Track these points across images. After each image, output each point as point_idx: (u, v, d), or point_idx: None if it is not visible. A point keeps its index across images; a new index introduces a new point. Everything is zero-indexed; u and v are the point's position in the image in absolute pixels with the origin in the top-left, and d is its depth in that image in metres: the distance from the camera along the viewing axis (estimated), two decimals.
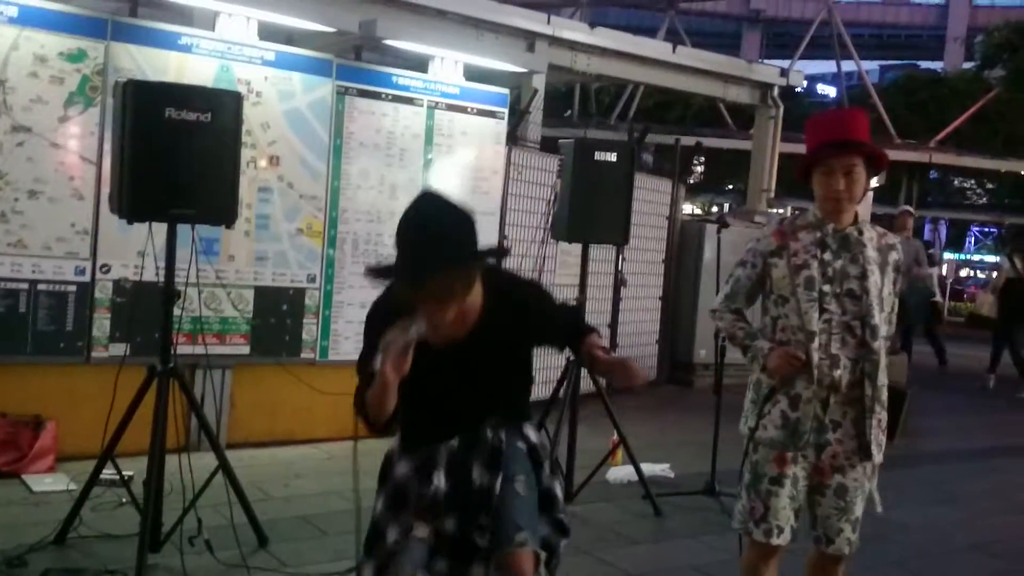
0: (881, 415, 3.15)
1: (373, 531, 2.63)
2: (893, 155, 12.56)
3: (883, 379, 3.14)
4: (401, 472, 2.64)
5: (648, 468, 5.83)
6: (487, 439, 2.62)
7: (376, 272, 2.44)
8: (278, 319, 6.08)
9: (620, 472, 5.93)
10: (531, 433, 2.73)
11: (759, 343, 3.19)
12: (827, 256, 3.12)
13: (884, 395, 3.16)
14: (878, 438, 3.14)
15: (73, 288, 5.35)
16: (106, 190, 4.99)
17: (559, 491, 2.74)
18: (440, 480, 2.58)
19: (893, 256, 3.20)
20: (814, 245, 3.13)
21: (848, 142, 3.09)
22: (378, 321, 2.48)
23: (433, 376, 2.50)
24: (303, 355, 6.20)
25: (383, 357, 2.35)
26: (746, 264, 3.27)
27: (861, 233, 3.15)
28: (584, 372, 5.49)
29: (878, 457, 3.15)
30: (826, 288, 3.09)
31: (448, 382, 2.57)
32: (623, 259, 8.77)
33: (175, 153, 3.98)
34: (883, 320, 3.14)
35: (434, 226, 2.37)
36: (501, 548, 2.51)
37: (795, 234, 3.18)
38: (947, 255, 38.69)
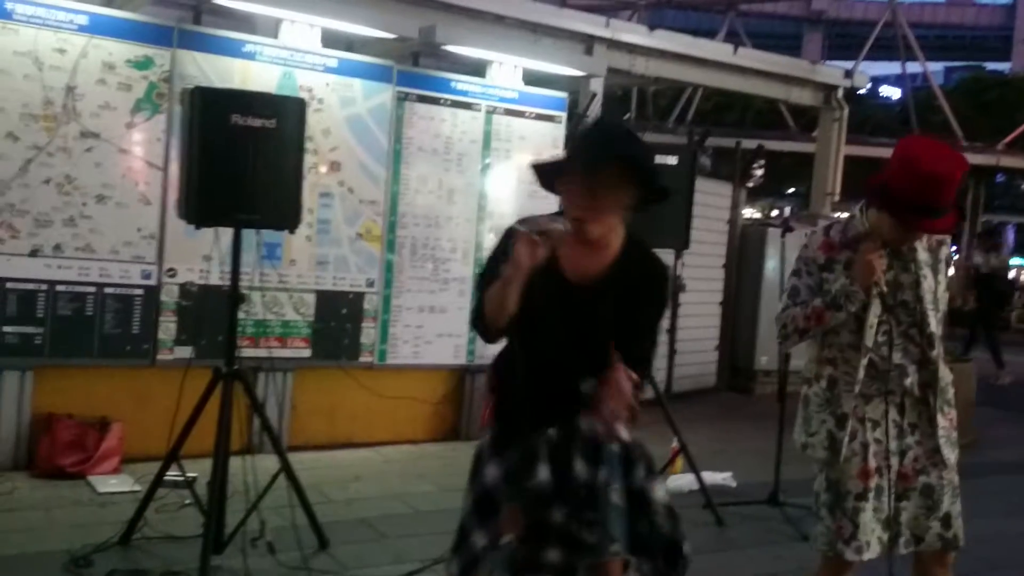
0: (951, 413, 3.12)
1: (460, 532, 2.62)
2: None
3: (945, 377, 3.09)
4: (491, 475, 2.60)
5: (709, 476, 5.74)
6: (583, 430, 2.55)
7: (543, 166, 2.52)
8: (338, 323, 6.12)
9: (681, 480, 5.84)
10: (623, 432, 2.61)
11: (836, 285, 3.02)
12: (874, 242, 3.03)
13: (950, 393, 3.12)
14: (951, 437, 3.11)
15: (140, 291, 5.44)
16: (172, 195, 5.09)
17: (658, 493, 2.62)
18: (545, 473, 2.52)
19: (944, 252, 3.14)
20: None
21: (936, 211, 2.91)
22: (510, 239, 2.43)
23: (556, 308, 2.50)
24: (362, 359, 6.23)
25: (521, 236, 2.34)
26: (801, 273, 3.17)
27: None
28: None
29: (954, 458, 3.12)
30: (884, 287, 3.02)
31: (567, 321, 2.53)
32: (682, 264, 8.67)
33: (241, 159, 4.01)
34: (938, 322, 3.10)
35: (619, 131, 2.55)
36: (596, 557, 2.49)
37: (845, 247, 3.09)
38: (1014, 261, 37.71)
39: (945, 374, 3.10)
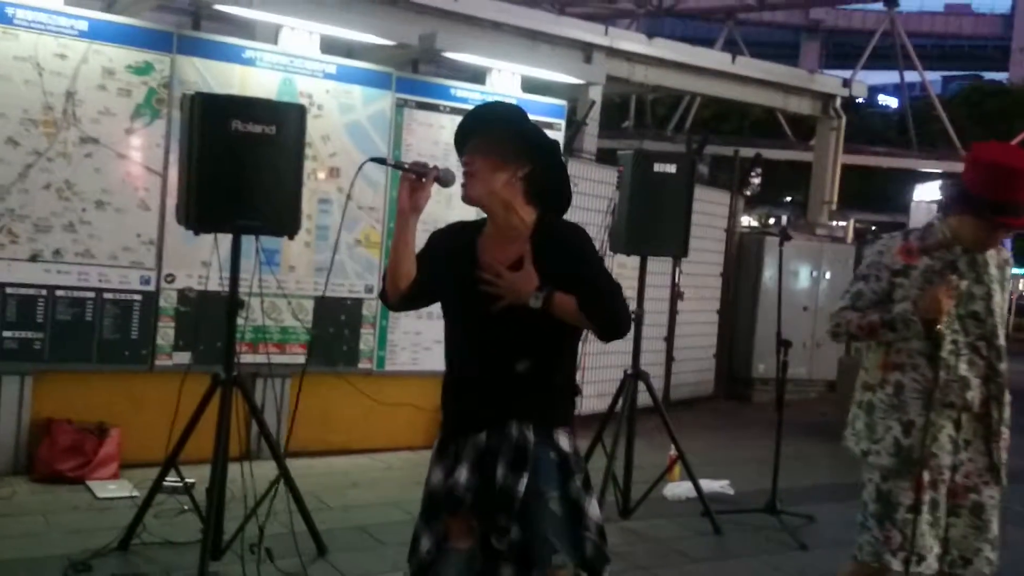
0: (1006, 434, 3.10)
1: (413, 539, 2.62)
2: (958, 168, 12.28)
3: (1007, 398, 3.09)
4: (435, 479, 2.61)
5: (707, 484, 5.74)
6: (512, 436, 2.52)
7: (455, 140, 2.66)
8: (336, 329, 6.12)
9: (678, 488, 5.85)
10: (563, 441, 2.58)
11: (899, 308, 3.03)
12: (954, 279, 3.03)
13: (1007, 414, 3.10)
14: (1000, 456, 3.09)
15: (138, 297, 5.44)
16: (171, 201, 5.09)
17: (591, 508, 2.56)
18: (462, 475, 2.52)
19: (1008, 271, 3.17)
20: (947, 267, 3.05)
21: (1017, 207, 2.95)
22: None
23: (472, 299, 2.54)
24: (360, 365, 6.23)
25: (402, 179, 2.51)
26: (869, 278, 3.16)
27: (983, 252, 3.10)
28: (641, 386, 5.43)
29: (1003, 478, 3.09)
30: (952, 311, 3.01)
31: (486, 309, 2.53)
32: (680, 272, 8.69)
33: (240, 165, 4.02)
34: (1003, 339, 3.09)
35: (491, 102, 2.76)
36: (539, 568, 2.45)
37: (923, 253, 3.08)
38: (1013, 271, 37.70)
39: (1006, 392, 3.07)
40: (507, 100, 2.59)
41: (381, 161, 2.60)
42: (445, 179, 2.52)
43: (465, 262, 2.59)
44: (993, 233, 3.02)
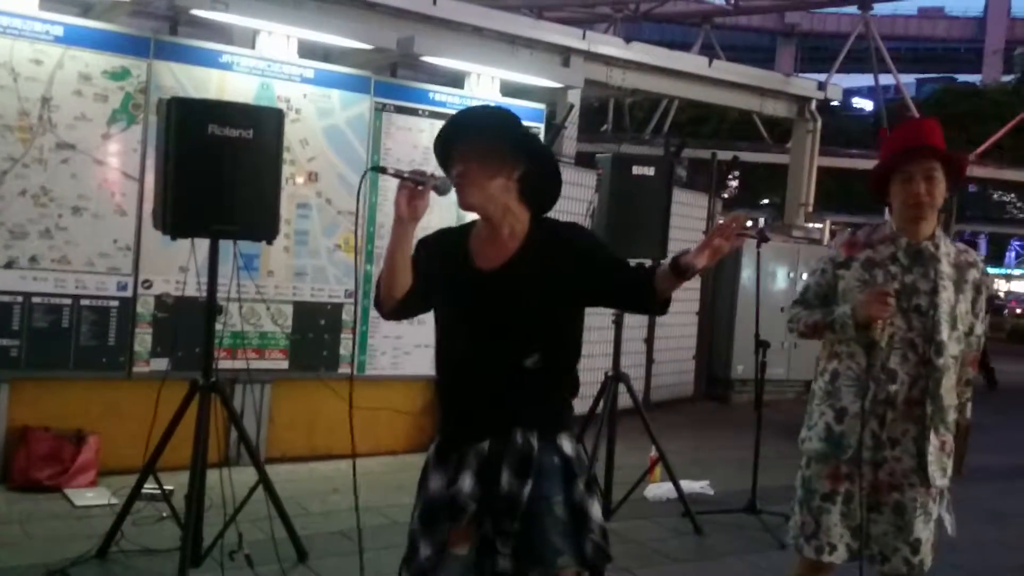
0: (945, 436, 3.04)
1: (410, 545, 2.60)
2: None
3: (949, 400, 3.03)
4: (435, 485, 2.59)
5: (687, 485, 5.77)
6: (517, 443, 2.53)
7: (436, 144, 2.60)
8: (316, 334, 6.11)
9: (659, 489, 5.88)
10: (566, 445, 2.60)
11: (839, 311, 3.05)
12: (895, 269, 3.04)
13: (950, 416, 3.05)
14: (941, 461, 3.03)
15: (115, 303, 5.41)
16: (148, 206, 5.07)
17: (593, 510, 2.57)
18: (466, 483, 2.51)
19: (973, 274, 3.10)
20: (887, 259, 3.06)
21: (927, 147, 3.05)
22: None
23: (470, 301, 2.54)
24: (341, 370, 6.22)
25: (400, 187, 2.43)
26: (817, 272, 3.23)
27: (937, 248, 3.06)
28: (622, 388, 5.45)
29: (941, 482, 3.04)
30: (894, 308, 2.99)
31: (483, 309, 2.54)
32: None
33: (218, 169, 4.01)
34: (954, 338, 3.03)
35: (479, 105, 2.66)
36: (544, 570, 2.46)
37: (867, 246, 3.11)
38: (987, 270, 38.12)
39: (949, 395, 3.03)
40: (489, 103, 2.56)
41: (382, 170, 2.54)
42: (442, 188, 2.47)
43: (460, 266, 2.58)
44: (912, 186, 3.01)
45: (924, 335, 3.00)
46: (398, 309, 2.56)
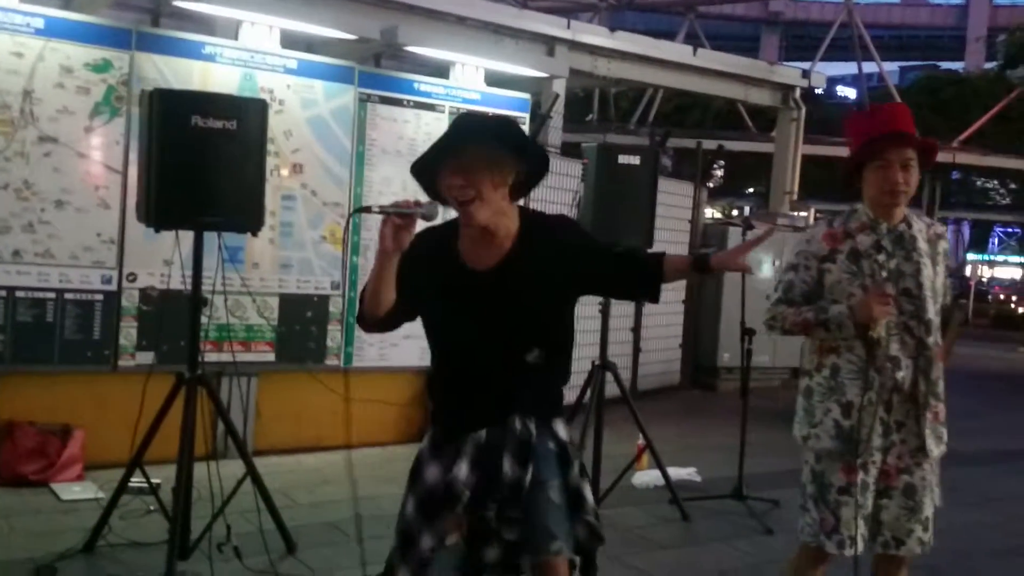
0: (937, 407, 3.08)
1: (405, 536, 2.60)
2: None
3: (937, 372, 3.07)
4: (432, 476, 2.60)
5: (674, 472, 5.80)
6: (516, 430, 2.55)
7: (421, 168, 2.55)
8: (303, 326, 6.09)
9: (646, 476, 5.90)
10: (561, 431, 2.65)
11: (834, 309, 3.02)
12: (882, 257, 3.05)
13: (940, 387, 3.09)
14: (936, 431, 3.07)
15: (100, 297, 5.38)
16: (132, 199, 5.04)
17: (587, 493, 2.64)
18: (462, 471, 2.53)
19: (942, 245, 3.18)
20: (871, 248, 3.06)
21: (902, 134, 3.06)
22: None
23: (466, 303, 2.54)
24: (328, 362, 6.21)
25: (384, 220, 2.36)
26: (798, 267, 3.16)
27: (911, 227, 3.10)
28: (609, 377, 5.46)
29: (937, 451, 3.08)
30: (894, 316, 3.01)
31: (481, 310, 2.54)
32: None
33: (201, 161, 3.99)
34: (936, 312, 3.07)
35: (477, 113, 2.50)
36: (536, 555, 2.48)
37: (848, 236, 3.10)
38: (971, 256, 38.41)
39: (937, 369, 3.07)
40: (481, 109, 2.51)
41: (366, 210, 2.42)
42: (430, 215, 2.41)
43: (451, 268, 2.56)
44: (888, 173, 3.02)
45: (916, 316, 3.03)
46: (383, 323, 2.54)
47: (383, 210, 2.37)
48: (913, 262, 3.06)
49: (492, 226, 2.53)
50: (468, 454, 2.55)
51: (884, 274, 3.03)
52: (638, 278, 2.63)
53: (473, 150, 2.45)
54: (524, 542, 2.50)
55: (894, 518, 3.07)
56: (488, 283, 2.55)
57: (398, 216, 2.36)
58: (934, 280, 3.09)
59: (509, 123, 2.59)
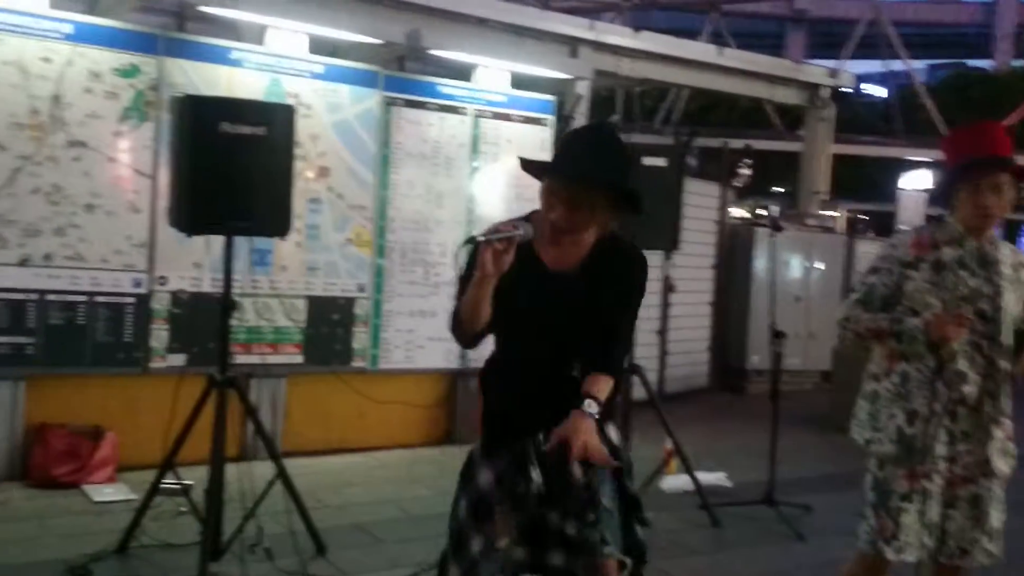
0: (1006, 424, 3.08)
1: (457, 537, 2.63)
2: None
3: (1005, 392, 3.07)
4: (485, 480, 2.62)
5: (704, 477, 5.75)
6: None
7: (531, 163, 2.64)
8: (329, 328, 6.11)
9: (675, 481, 5.86)
10: (612, 434, 2.66)
11: (909, 322, 3.02)
12: (964, 274, 3.05)
13: (1008, 407, 3.09)
14: (1006, 447, 3.08)
15: (131, 300, 5.42)
16: (161, 203, 5.08)
17: (638, 496, 2.70)
18: (537, 475, 2.55)
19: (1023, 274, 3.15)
20: (955, 262, 3.06)
21: (995, 158, 3.03)
22: (475, 247, 2.49)
23: (539, 296, 2.56)
24: (354, 364, 6.22)
25: (485, 245, 2.38)
26: (881, 271, 3.15)
27: (996, 250, 3.10)
28: (637, 380, 5.44)
29: (1007, 468, 3.08)
30: (960, 307, 3.01)
31: (552, 306, 2.58)
32: (672, 265, 8.69)
33: (231, 166, 4.02)
34: (1009, 337, 3.06)
35: (609, 144, 2.57)
36: (591, 557, 2.52)
37: (935, 247, 3.09)
38: None
39: (1005, 387, 3.07)
40: (605, 135, 2.50)
41: (471, 241, 2.42)
42: (528, 235, 2.46)
43: (529, 267, 2.56)
44: (980, 198, 3.00)
45: (987, 337, 3.03)
46: (480, 336, 2.59)
47: (489, 240, 2.40)
48: (994, 284, 3.06)
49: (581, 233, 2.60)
50: (533, 459, 2.57)
51: (964, 291, 3.03)
52: (593, 354, 2.61)
53: (583, 188, 2.51)
54: (578, 545, 2.53)
55: (959, 528, 3.06)
56: (563, 283, 2.59)
57: (499, 241, 2.39)
58: (1013, 306, 3.07)
59: (625, 165, 2.58)
